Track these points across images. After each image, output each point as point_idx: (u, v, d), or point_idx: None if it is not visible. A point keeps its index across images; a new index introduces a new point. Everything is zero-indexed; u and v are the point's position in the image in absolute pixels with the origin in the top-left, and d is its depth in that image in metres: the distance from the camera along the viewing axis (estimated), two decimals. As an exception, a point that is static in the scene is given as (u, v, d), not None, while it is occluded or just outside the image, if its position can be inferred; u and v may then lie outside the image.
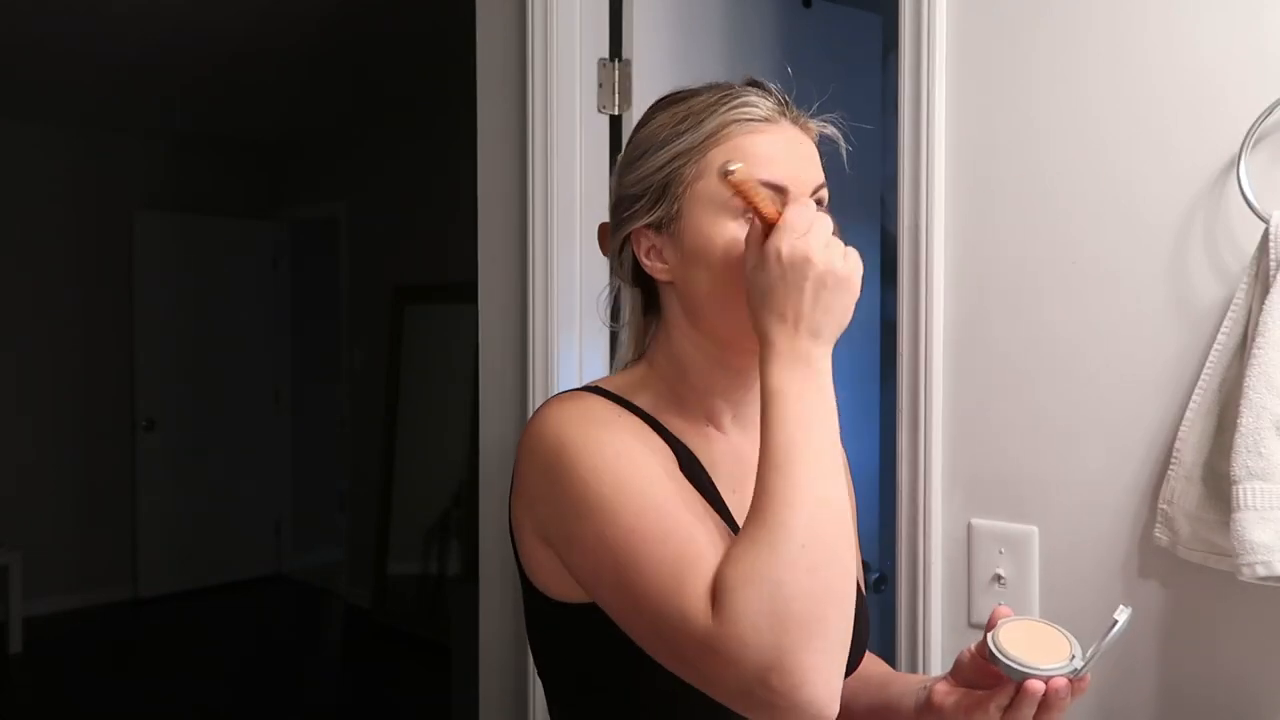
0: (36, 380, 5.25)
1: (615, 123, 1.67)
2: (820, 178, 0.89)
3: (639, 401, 0.90)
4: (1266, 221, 0.98)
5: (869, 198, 2.13)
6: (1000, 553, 1.19)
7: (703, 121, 0.87)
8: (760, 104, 0.87)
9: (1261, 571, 0.93)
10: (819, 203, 0.89)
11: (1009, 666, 0.84)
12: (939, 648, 1.24)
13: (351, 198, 5.65)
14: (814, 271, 0.78)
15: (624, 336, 0.98)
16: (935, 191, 1.22)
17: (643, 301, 0.96)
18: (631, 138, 0.94)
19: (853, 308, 0.82)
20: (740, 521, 0.84)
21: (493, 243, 1.79)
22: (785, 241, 0.79)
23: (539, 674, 0.96)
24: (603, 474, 0.79)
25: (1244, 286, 1.00)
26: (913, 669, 1.25)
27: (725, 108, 0.87)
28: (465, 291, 2.34)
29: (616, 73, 1.66)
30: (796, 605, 0.69)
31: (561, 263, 1.64)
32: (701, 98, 0.89)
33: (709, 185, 0.85)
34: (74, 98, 4.83)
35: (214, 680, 4.47)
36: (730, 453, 0.93)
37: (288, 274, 6.16)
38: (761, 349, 0.80)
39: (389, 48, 4.18)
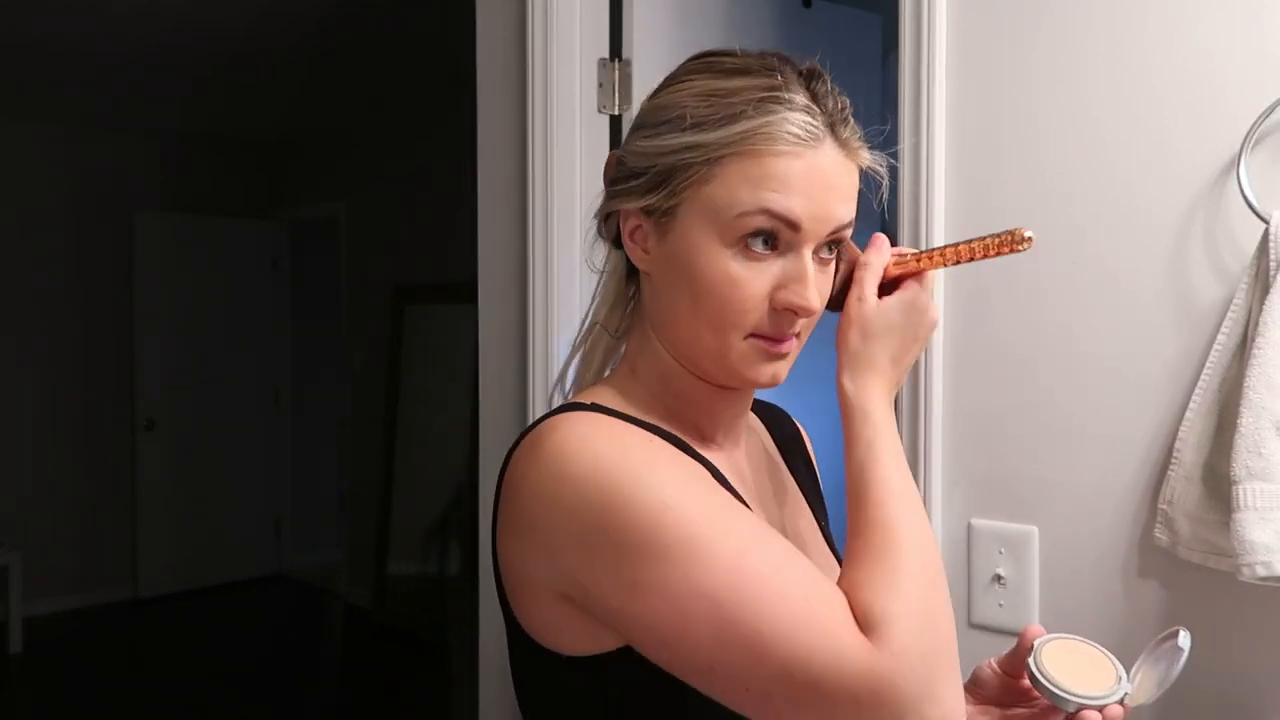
0: (37, 380, 5.25)
1: (615, 123, 1.67)
2: (847, 217, 0.77)
3: (644, 419, 0.79)
4: (1266, 221, 0.98)
5: (868, 197, 2.13)
6: (1000, 553, 1.19)
7: (734, 118, 0.73)
8: (803, 122, 0.73)
9: (1261, 572, 0.93)
10: (837, 242, 0.78)
11: (1059, 695, 0.81)
12: (939, 648, 1.24)
13: (351, 198, 5.65)
14: (928, 332, 0.82)
15: (599, 297, 0.87)
16: (935, 191, 1.22)
17: (625, 269, 0.85)
18: (655, 94, 0.80)
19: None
20: None
21: (493, 243, 1.79)
22: (927, 297, 0.82)
23: None
24: (679, 512, 0.67)
25: (1244, 287, 1.00)
26: (913, 669, 1.25)
27: (762, 114, 0.73)
28: (465, 291, 2.34)
29: (616, 73, 1.66)
30: (942, 634, 0.68)
31: (561, 263, 1.64)
32: (743, 80, 0.75)
33: (715, 193, 0.73)
34: (74, 98, 4.83)
35: (214, 680, 4.47)
36: (724, 463, 0.84)
37: (288, 274, 6.16)
38: (859, 378, 0.79)
39: (389, 48, 4.18)
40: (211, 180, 5.89)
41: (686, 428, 0.83)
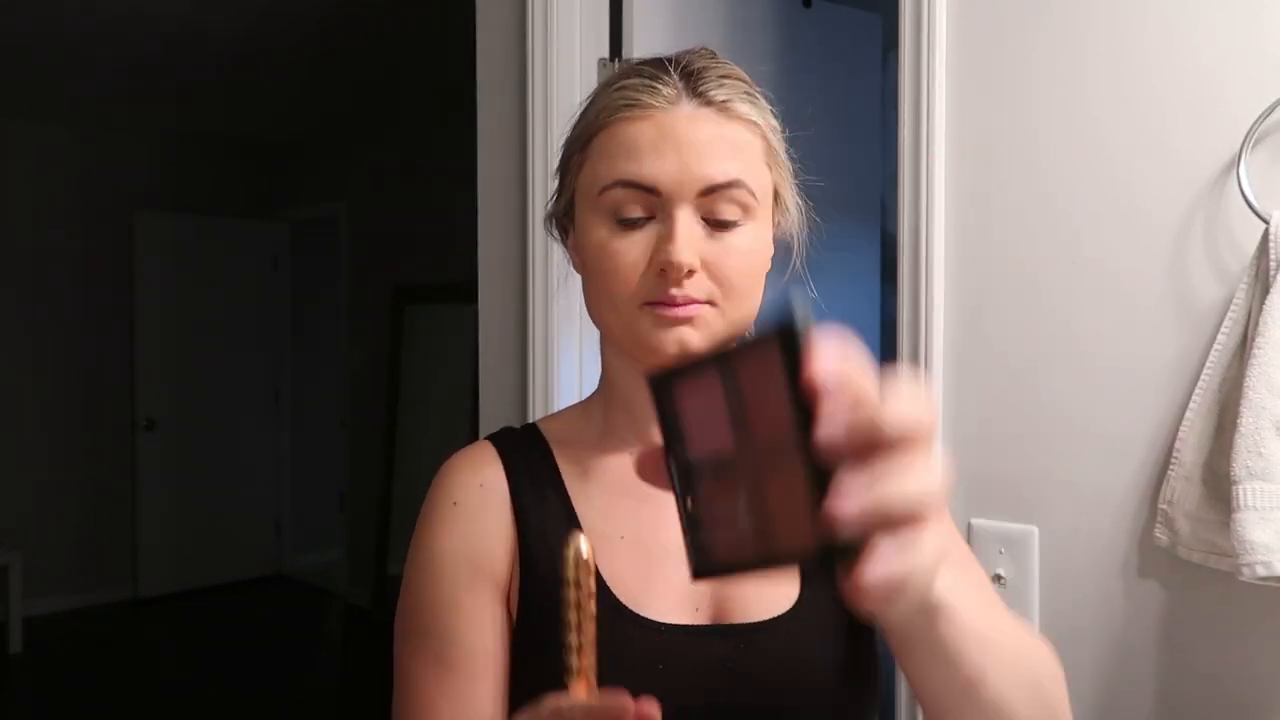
0: (37, 380, 5.25)
1: (615, 123, 1.67)
2: (721, 174, 0.73)
3: (570, 440, 0.83)
4: (1266, 221, 0.98)
5: (869, 198, 2.13)
6: (1000, 553, 1.19)
7: (589, 108, 0.78)
8: (644, 85, 0.74)
9: (1261, 571, 0.93)
10: (736, 206, 0.74)
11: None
12: (939, 648, 1.24)
13: (351, 198, 5.65)
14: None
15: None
16: (935, 191, 1.22)
17: None
18: None
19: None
20: (612, 573, 0.75)
21: (492, 243, 1.79)
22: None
23: None
24: (410, 591, 0.80)
25: (1244, 287, 1.00)
26: (913, 669, 1.25)
27: (613, 88, 0.76)
28: (465, 291, 2.35)
29: (616, 73, 1.66)
30: None
31: (561, 263, 1.64)
32: (612, 74, 0.80)
33: (585, 177, 0.77)
34: (74, 98, 4.83)
35: (214, 680, 4.47)
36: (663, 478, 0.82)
37: (288, 274, 6.16)
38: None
39: (389, 48, 4.18)
40: (211, 180, 5.89)
41: (634, 427, 0.82)
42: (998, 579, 1.19)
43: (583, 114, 0.79)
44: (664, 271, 0.73)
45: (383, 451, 5.16)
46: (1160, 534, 1.06)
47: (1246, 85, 1.02)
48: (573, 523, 0.78)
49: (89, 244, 5.41)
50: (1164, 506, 1.05)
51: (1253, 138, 1.00)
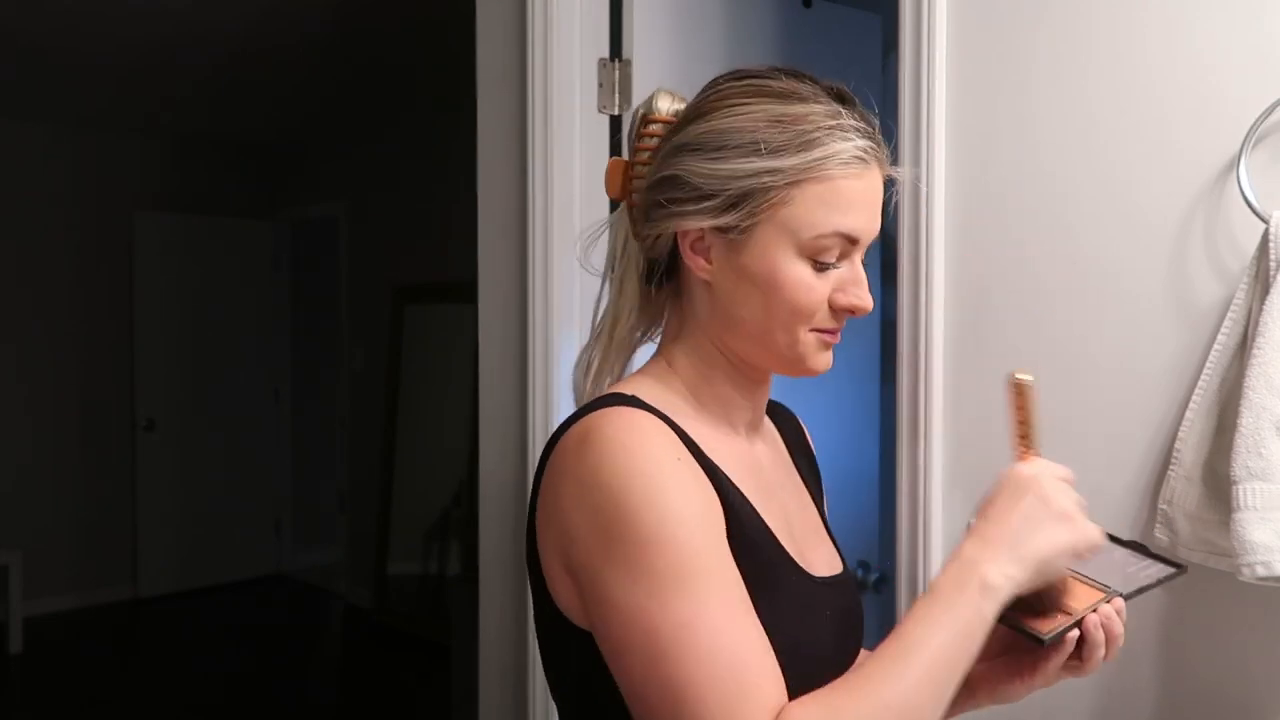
0: (37, 380, 5.25)
1: (615, 123, 1.67)
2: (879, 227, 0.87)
3: (674, 415, 0.84)
4: (1266, 221, 0.98)
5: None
6: (1000, 553, 1.19)
7: (809, 145, 0.80)
8: (865, 146, 0.82)
9: (1261, 571, 0.93)
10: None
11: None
12: (939, 648, 1.24)
13: (351, 198, 5.65)
14: (1034, 494, 0.80)
15: (620, 299, 0.93)
16: (935, 191, 1.22)
17: (660, 275, 0.90)
18: (706, 116, 0.84)
19: (1067, 548, 0.79)
20: (776, 533, 0.85)
21: (492, 243, 1.79)
22: (1025, 468, 0.82)
23: (552, 692, 0.91)
24: (667, 548, 0.74)
25: (1244, 287, 1.00)
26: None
27: (833, 139, 0.81)
28: (465, 291, 2.35)
29: (616, 73, 1.66)
30: None
31: (561, 263, 1.64)
32: (803, 107, 0.82)
33: (793, 215, 0.81)
34: (74, 98, 4.83)
35: (214, 680, 4.47)
36: (747, 456, 0.91)
37: (288, 274, 6.16)
38: (963, 545, 0.79)
39: (389, 48, 4.18)
40: (211, 180, 5.89)
41: (717, 419, 0.90)
42: (998, 579, 1.19)
43: (787, 152, 0.80)
44: (848, 310, 0.85)
45: (383, 451, 5.16)
46: (1160, 534, 1.06)
47: (1246, 85, 1.02)
48: (735, 487, 0.84)
49: (89, 244, 5.41)
50: (1164, 506, 1.05)
51: (1253, 138, 1.00)
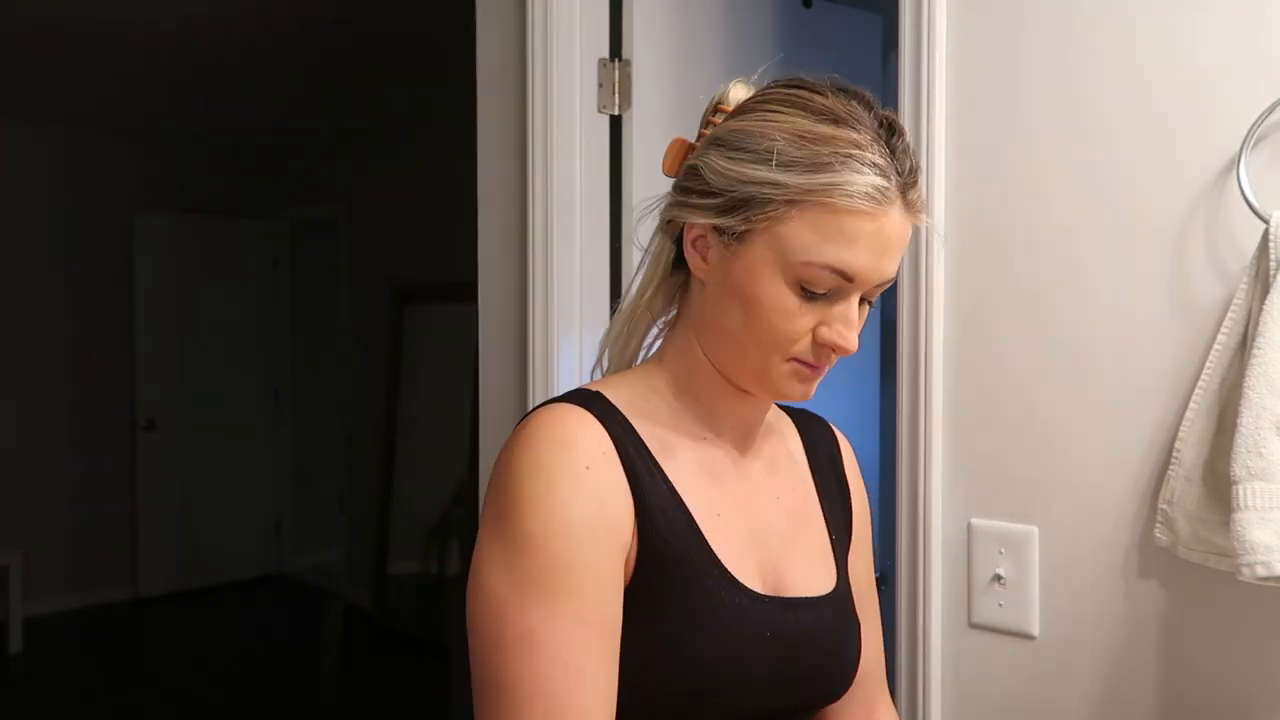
0: (36, 380, 5.25)
1: (615, 123, 1.67)
2: (894, 273, 0.82)
3: (637, 415, 0.84)
4: (1266, 221, 0.98)
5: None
6: (1000, 553, 1.19)
7: (820, 168, 0.77)
8: (880, 186, 0.77)
9: (1261, 571, 0.93)
10: (868, 295, 0.82)
11: None
12: (939, 648, 1.24)
13: (351, 198, 5.65)
14: None
15: (643, 279, 0.91)
16: (935, 191, 1.22)
17: (672, 257, 0.89)
18: (743, 115, 0.83)
19: None
20: (717, 547, 0.82)
21: (492, 243, 1.79)
22: None
23: None
24: (537, 555, 0.75)
25: (1244, 287, 1.00)
26: (912, 669, 1.25)
27: (847, 168, 0.76)
28: (465, 291, 2.34)
29: (616, 73, 1.66)
30: None
31: (561, 263, 1.64)
32: (832, 129, 0.78)
33: (788, 234, 0.78)
34: (74, 98, 4.82)
35: (214, 680, 4.47)
36: (715, 462, 0.88)
37: (288, 274, 6.16)
38: None
39: (389, 47, 4.18)
40: (211, 180, 5.89)
41: (694, 420, 0.88)
42: (998, 579, 1.19)
43: (798, 169, 0.77)
44: (829, 347, 0.81)
45: (382, 451, 5.16)
46: (1160, 534, 1.06)
47: (1246, 85, 1.02)
48: (675, 496, 0.83)
49: (89, 244, 5.41)
50: (1164, 506, 1.05)
51: (1253, 138, 1.00)
